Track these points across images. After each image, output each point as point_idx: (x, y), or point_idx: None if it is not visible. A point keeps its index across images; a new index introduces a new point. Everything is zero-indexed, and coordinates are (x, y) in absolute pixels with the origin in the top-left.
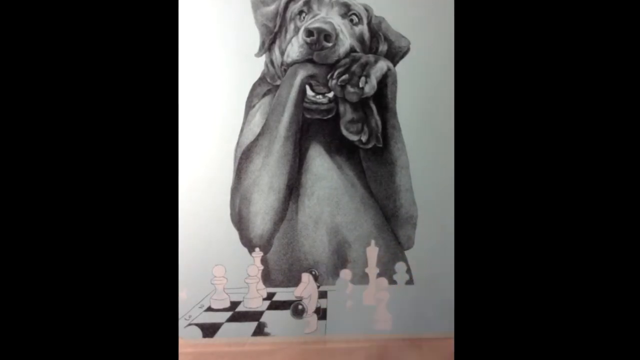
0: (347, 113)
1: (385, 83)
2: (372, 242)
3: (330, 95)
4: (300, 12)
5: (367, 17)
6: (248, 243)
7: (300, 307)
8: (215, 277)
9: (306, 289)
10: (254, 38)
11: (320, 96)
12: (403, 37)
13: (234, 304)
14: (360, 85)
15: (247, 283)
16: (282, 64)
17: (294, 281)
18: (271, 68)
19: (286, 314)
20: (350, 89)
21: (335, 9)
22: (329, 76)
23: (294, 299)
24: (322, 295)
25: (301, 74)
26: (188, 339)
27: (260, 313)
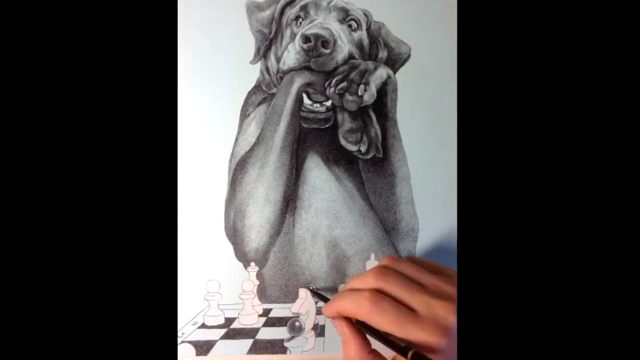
0: (345, 122)
1: (385, 91)
2: (372, 256)
3: (328, 103)
4: (297, 18)
5: (367, 22)
6: (243, 257)
7: (297, 323)
8: (208, 292)
9: (304, 305)
10: (249, 44)
11: (318, 105)
12: (404, 43)
13: (229, 321)
14: (359, 93)
15: (242, 299)
16: (278, 72)
17: (291, 297)
18: (266, 75)
19: (283, 330)
20: (348, 97)
21: (333, 14)
22: (326, 84)
23: (291, 315)
24: (320, 311)
25: (298, 81)
26: (181, 357)
27: (256, 330)
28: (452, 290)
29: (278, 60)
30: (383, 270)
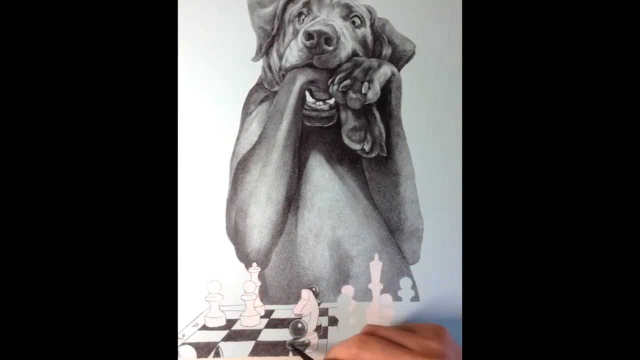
0: (349, 120)
1: (389, 89)
2: (376, 256)
3: (331, 101)
4: (300, 14)
5: (370, 19)
6: (245, 258)
7: (299, 325)
8: (210, 293)
9: (306, 306)
10: (251, 41)
11: (321, 103)
12: (408, 40)
13: (230, 322)
14: (363, 91)
15: (243, 300)
16: (280, 69)
17: (293, 298)
18: (269, 73)
19: (285, 332)
20: (352, 95)
21: (337, 10)
22: (329, 82)
23: (293, 316)
24: (323, 312)
25: (300, 79)
26: None
27: (258, 331)
28: (437, 346)
29: (280, 57)
30: (363, 338)
